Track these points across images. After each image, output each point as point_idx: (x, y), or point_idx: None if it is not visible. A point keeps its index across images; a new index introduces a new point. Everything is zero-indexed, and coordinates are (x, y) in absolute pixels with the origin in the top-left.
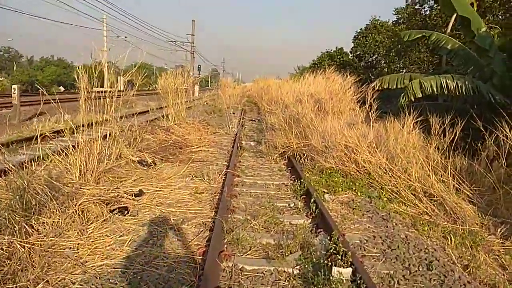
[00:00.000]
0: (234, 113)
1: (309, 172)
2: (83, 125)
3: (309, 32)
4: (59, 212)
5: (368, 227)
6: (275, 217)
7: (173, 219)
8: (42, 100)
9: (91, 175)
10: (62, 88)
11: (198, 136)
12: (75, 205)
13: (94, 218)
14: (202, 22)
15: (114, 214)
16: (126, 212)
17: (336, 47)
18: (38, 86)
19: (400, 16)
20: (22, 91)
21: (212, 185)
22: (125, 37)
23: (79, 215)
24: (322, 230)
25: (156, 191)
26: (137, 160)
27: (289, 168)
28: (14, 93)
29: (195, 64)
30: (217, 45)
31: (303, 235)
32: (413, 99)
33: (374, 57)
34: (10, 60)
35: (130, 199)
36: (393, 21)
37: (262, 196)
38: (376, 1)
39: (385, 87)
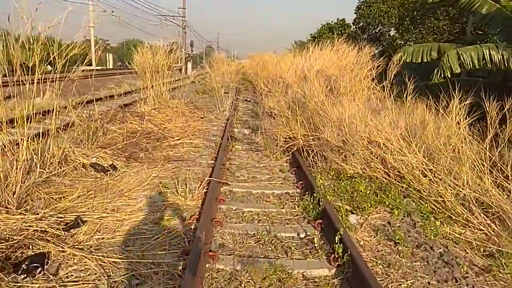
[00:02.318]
0: (227, 93)
1: (322, 176)
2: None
3: (306, 5)
4: None
5: (429, 284)
6: (278, 266)
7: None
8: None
9: (13, 194)
10: (49, 68)
11: (182, 122)
12: None
13: None
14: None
15: (18, 274)
16: (39, 269)
17: (338, 19)
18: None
19: None
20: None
21: (188, 202)
22: (112, 11)
23: None
24: None
25: (102, 217)
26: (89, 164)
27: (294, 168)
28: None
29: (187, 40)
30: (212, 20)
31: None
32: (449, 75)
33: (378, 28)
34: None
35: (58, 235)
36: None
37: (259, 219)
38: None
39: (407, 60)
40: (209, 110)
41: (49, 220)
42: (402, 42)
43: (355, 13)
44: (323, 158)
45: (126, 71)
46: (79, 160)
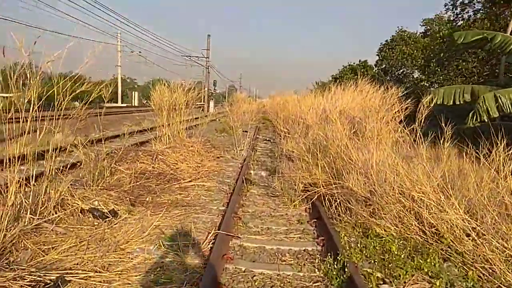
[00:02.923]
0: (246, 132)
1: (347, 231)
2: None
3: (328, 45)
4: None
5: None
6: None
7: None
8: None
9: None
10: (77, 104)
11: (196, 162)
12: None
13: None
14: (218, 39)
15: None
16: None
17: (360, 60)
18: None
19: (428, 27)
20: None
21: (189, 259)
22: (139, 52)
23: None
24: None
25: (88, 276)
26: (88, 209)
27: (314, 219)
28: None
29: (210, 79)
30: (235, 62)
31: None
32: (485, 119)
33: (401, 70)
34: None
35: None
36: (421, 32)
37: (272, 285)
38: (401, 12)
39: (438, 102)
40: (227, 149)
41: (24, 280)
42: (427, 84)
43: (377, 55)
44: (347, 209)
45: (150, 109)
46: (78, 204)
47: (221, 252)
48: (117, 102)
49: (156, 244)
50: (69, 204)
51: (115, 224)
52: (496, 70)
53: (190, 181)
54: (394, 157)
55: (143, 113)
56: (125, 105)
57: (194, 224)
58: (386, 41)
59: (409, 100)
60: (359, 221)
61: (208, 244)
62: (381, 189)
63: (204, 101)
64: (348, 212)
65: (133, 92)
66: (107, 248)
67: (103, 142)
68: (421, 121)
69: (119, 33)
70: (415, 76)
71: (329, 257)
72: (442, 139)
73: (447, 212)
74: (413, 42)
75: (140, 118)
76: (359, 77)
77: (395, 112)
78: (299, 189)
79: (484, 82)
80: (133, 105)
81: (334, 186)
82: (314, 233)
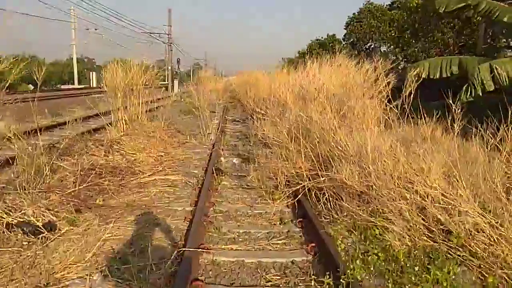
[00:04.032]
0: (214, 112)
1: (341, 232)
2: None
3: (295, 22)
4: None
5: None
6: None
7: None
8: None
9: None
10: (31, 86)
11: (158, 151)
12: None
13: None
14: (181, 14)
15: None
16: None
17: (328, 34)
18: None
19: None
20: None
21: None
22: (96, 29)
23: None
24: None
25: None
26: (15, 224)
27: (300, 219)
28: None
29: (174, 57)
30: (199, 38)
31: None
32: (480, 93)
33: (369, 44)
34: None
35: None
36: (387, 5)
37: None
38: None
39: (423, 76)
40: (193, 133)
41: None
42: (404, 57)
43: (345, 28)
44: (338, 205)
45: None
46: (2, 217)
47: (188, 278)
48: (73, 84)
49: (104, 269)
50: None
51: (51, 242)
52: (470, 41)
53: (151, 174)
54: (388, 140)
55: (101, 94)
56: (82, 86)
57: (154, 234)
58: (354, 14)
59: (391, 74)
60: (356, 222)
61: (172, 266)
62: (380, 182)
63: (167, 81)
64: (339, 208)
65: (91, 73)
66: (37, 279)
67: (38, 132)
68: (405, 97)
69: (73, 8)
70: (382, 50)
71: (325, 269)
72: (436, 116)
73: (459, 206)
74: (380, 15)
75: (98, 101)
76: (328, 51)
77: (382, 88)
78: (281, 182)
79: (461, 53)
80: (91, 86)
81: (321, 177)
82: (301, 236)
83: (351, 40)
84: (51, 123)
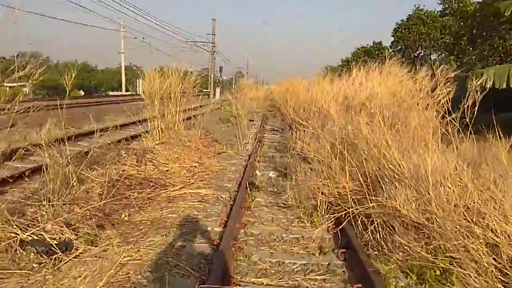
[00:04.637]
0: (252, 121)
1: (392, 271)
2: None
3: (337, 29)
4: None
5: None
6: None
7: None
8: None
9: None
10: (82, 92)
11: (193, 161)
12: None
13: None
14: (224, 23)
15: None
16: None
17: (374, 42)
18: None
19: (447, 5)
20: (43, 95)
21: None
22: (143, 38)
23: None
24: None
25: None
26: (28, 242)
27: (343, 249)
28: None
29: (216, 66)
30: (242, 47)
31: None
32: None
33: (418, 52)
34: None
35: None
36: (438, 11)
37: None
38: None
39: (487, 86)
40: (230, 142)
41: None
42: (460, 65)
43: (392, 35)
44: (389, 236)
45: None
46: (17, 234)
47: None
48: (121, 90)
49: None
50: (2, 236)
51: (64, 264)
52: None
53: (181, 187)
54: (456, 161)
55: (144, 102)
56: (128, 93)
57: (175, 261)
58: (402, 20)
59: (449, 83)
60: (412, 261)
61: None
62: (443, 212)
63: (210, 88)
64: (390, 240)
65: (138, 80)
66: None
67: (65, 140)
68: (466, 110)
69: (122, 20)
70: (432, 58)
71: None
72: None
73: None
74: (431, 22)
75: (141, 108)
76: (375, 59)
77: (441, 97)
78: (321, 205)
79: None
80: (137, 93)
81: (370, 203)
82: (344, 272)
83: (399, 47)
84: (91, 129)
